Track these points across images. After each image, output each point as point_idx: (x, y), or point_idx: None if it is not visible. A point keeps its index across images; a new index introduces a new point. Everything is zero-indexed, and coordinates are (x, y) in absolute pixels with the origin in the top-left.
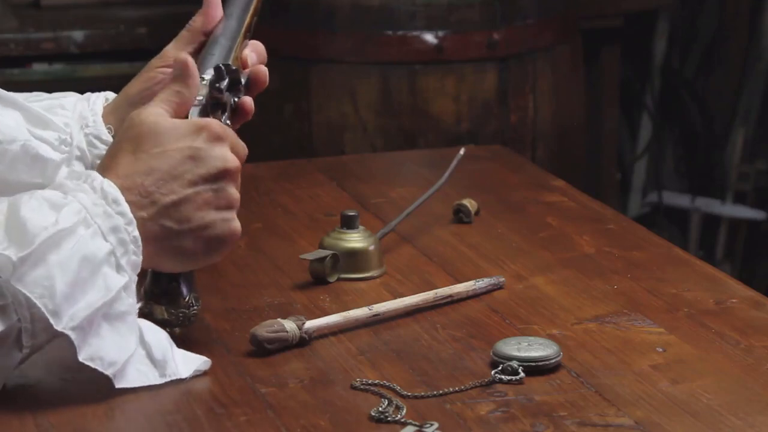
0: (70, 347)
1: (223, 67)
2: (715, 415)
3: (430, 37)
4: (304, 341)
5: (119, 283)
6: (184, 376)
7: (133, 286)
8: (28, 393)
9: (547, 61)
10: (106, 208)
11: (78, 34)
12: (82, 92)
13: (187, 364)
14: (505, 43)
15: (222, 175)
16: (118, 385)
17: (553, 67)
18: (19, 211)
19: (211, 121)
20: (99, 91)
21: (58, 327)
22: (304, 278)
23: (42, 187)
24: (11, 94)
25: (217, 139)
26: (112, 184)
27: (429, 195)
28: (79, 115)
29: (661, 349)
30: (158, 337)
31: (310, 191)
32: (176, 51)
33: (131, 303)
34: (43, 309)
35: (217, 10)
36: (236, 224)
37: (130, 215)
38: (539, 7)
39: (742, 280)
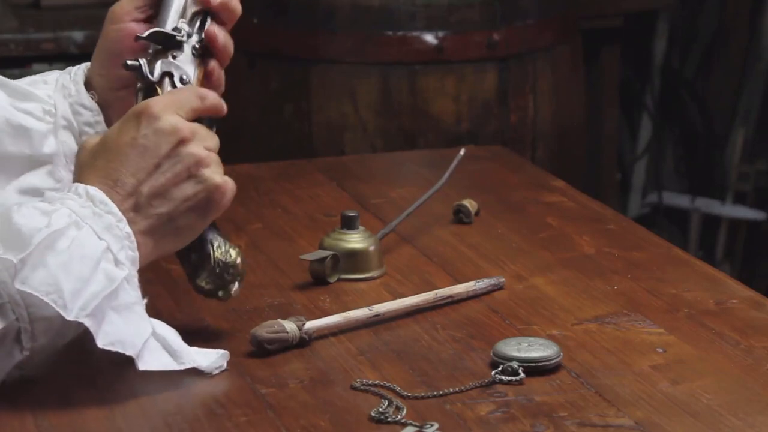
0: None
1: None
2: (715, 415)
3: (430, 38)
4: (304, 342)
5: (120, 275)
6: (202, 365)
7: (136, 281)
8: (28, 393)
9: (547, 61)
10: (95, 209)
11: (78, 34)
12: None
13: (204, 356)
14: (505, 43)
15: (179, 145)
16: (141, 367)
17: (553, 67)
18: (10, 220)
19: (147, 103)
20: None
21: (70, 317)
22: (304, 278)
23: (32, 159)
24: None
25: (156, 117)
26: (96, 188)
27: (429, 195)
28: (62, 86)
29: (661, 350)
30: (171, 331)
31: (310, 191)
32: (127, 5)
33: (137, 296)
34: (53, 304)
35: None
36: (215, 178)
37: (120, 213)
38: (539, 7)
39: (742, 280)
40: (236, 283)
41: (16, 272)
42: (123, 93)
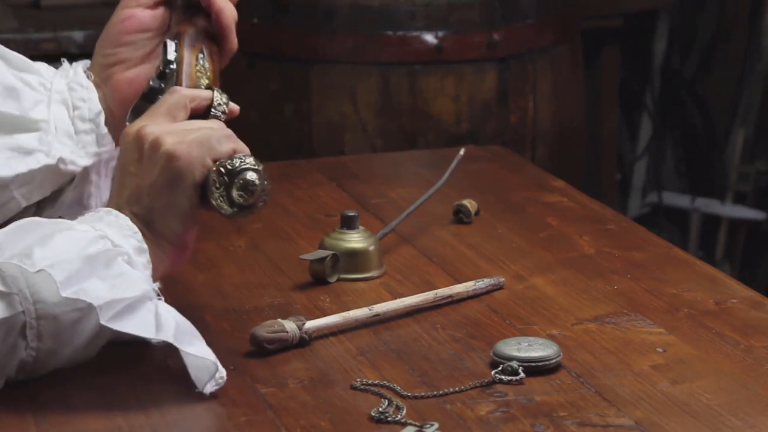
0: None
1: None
2: (715, 415)
3: (430, 38)
4: (304, 341)
5: (114, 249)
6: (186, 350)
7: (142, 265)
8: (28, 393)
9: (547, 61)
10: (95, 214)
11: (78, 34)
12: None
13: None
14: (505, 43)
15: (142, 142)
16: (103, 319)
17: (553, 67)
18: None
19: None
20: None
21: (32, 269)
22: (304, 278)
23: (20, 120)
24: None
25: (123, 135)
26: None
27: (429, 195)
28: (63, 69)
29: (661, 350)
30: (181, 318)
31: (310, 191)
32: None
33: (138, 275)
34: (16, 261)
35: None
36: (167, 148)
37: (115, 211)
38: (539, 7)
39: (742, 280)
40: (247, 177)
41: None
42: (115, 69)
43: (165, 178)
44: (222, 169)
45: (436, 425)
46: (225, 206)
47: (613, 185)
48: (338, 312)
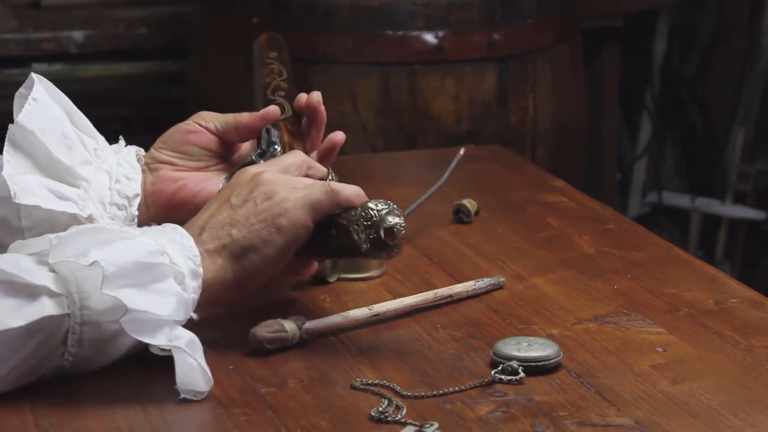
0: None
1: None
2: (715, 415)
3: (429, 37)
4: (304, 341)
5: (171, 266)
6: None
7: (190, 288)
8: (28, 393)
9: (547, 61)
10: (161, 229)
11: (78, 34)
12: (81, 92)
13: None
14: (505, 43)
15: (252, 181)
16: (123, 320)
17: (553, 67)
18: None
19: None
20: (98, 90)
21: (86, 262)
22: (304, 278)
23: (67, 172)
24: (65, 97)
25: (240, 172)
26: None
27: (429, 195)
28: (118, 146)
29: (661, 349)
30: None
31: None
32: (214, 118)
33: (185, 297)
34: (74, 259)
35: (263, 123)
36: (280, 203)
37: (186, 232)
38: (539, 7)
39: (742, 280)
40: (395, 221)
41: (51, 249)
42: (165, 166)
43: (264, 225)
44: (372, 206)
45: (436, 425)
46: (365, 242)
47: (613, 185)
48: (338, 312)
